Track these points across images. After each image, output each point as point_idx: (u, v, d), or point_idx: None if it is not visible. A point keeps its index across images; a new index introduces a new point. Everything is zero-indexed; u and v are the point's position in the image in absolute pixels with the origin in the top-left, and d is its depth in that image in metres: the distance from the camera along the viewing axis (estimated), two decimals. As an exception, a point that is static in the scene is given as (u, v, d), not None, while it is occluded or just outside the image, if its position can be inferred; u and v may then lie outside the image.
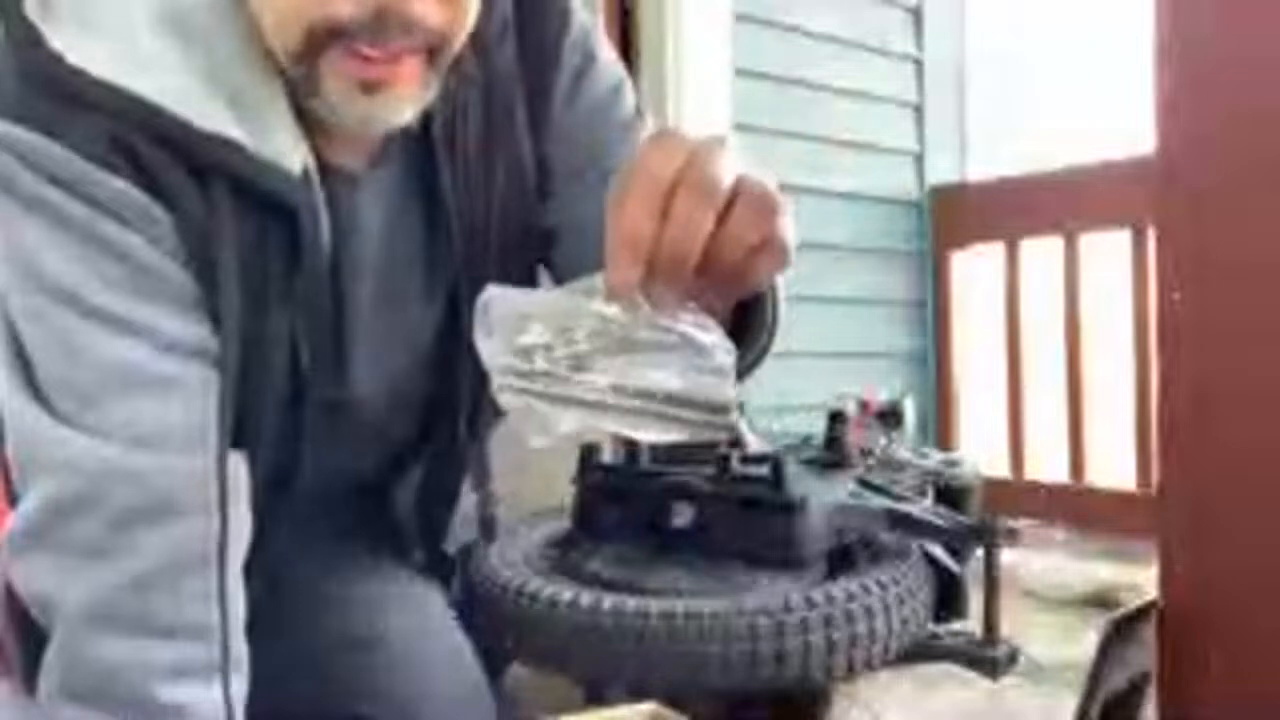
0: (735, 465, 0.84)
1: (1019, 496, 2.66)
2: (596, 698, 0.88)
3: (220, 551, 0.71)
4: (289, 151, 0.73)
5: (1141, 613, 0.94)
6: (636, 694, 0.75)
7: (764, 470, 0.83)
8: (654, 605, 0.76)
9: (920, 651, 0.84)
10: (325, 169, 0.77)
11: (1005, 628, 0.83)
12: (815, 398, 1.96)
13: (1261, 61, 0.90)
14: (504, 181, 0.86)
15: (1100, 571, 2.26)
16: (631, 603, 0.77)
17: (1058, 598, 2.15)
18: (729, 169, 0.58)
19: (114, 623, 0.70)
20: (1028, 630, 1.87)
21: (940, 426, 2.97)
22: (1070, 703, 0.90)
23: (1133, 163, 2.19)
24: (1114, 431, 2.67)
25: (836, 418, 0.95)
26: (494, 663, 0.93)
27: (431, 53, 0.72)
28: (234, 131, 0.71)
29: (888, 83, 2.96)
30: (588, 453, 0.90)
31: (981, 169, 3.10)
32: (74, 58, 0.69)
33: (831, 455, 0.93)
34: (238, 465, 0.74)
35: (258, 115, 0.72)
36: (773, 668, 0.75)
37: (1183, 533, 0.95)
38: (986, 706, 1.49)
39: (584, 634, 0.77)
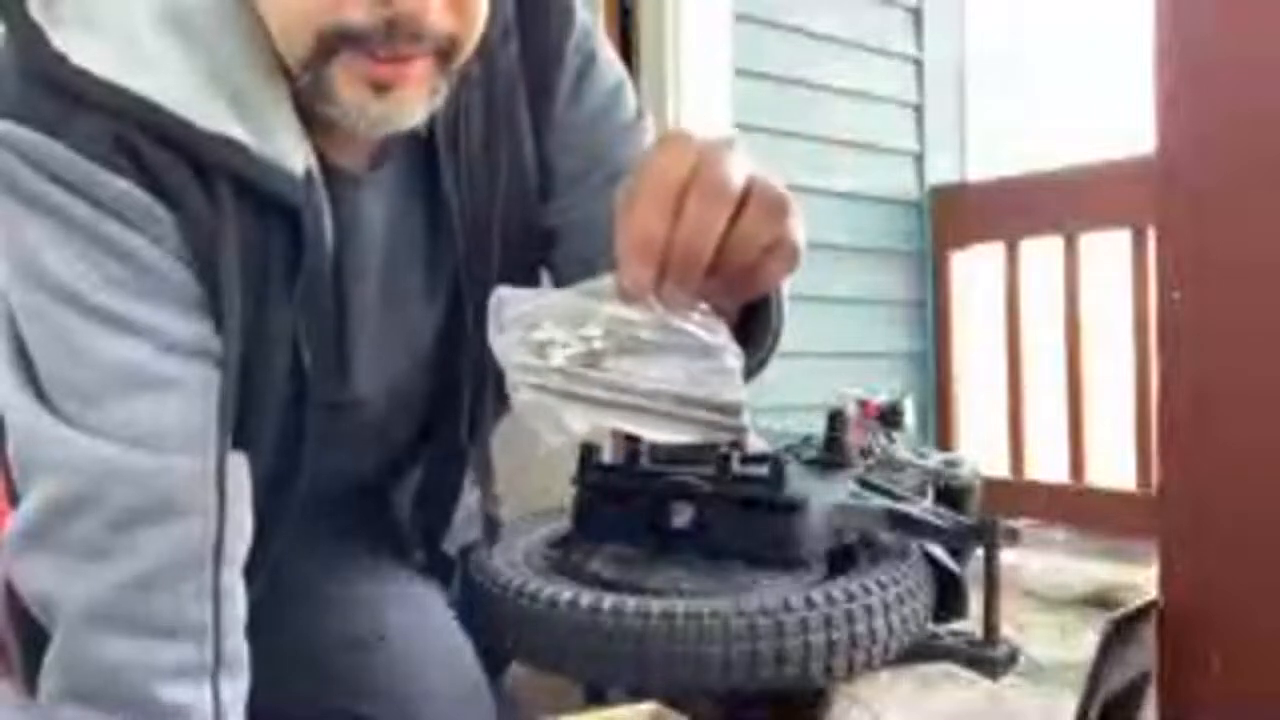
0: (735, 465, 0.84)
1: (1019, 496, 2.66)
2: (596, 698, 0.88)
3: (217, 551, 0.71)
4: (291, 152, 0.73)
5: (1141, 613, 0.94)
6: (636, 694, 0.75)
7: (764, 470, 0.83)
8: (654, 605, 0.76)
9: (920, 651, 0.84)
10: (327, 169, 0.77)
11: (1005, 628, 0.83)
12: (815, 398, 1.95)
13: (1261, 61, 0.90)
14: (506, 182, 0.86)
15: (1100, 571, 2.26)
16: (631, 603, 0.77)
17: (1058, 598, 2.14)
18: (740, 169, 0.58)
19: (114, 623, 0.70)
20: (1028, 630, 1.88)
21: (940, 427, 2.96)
22: (1070, 703, 0.90)
23: (1133, 162, 2.18)
24: (1114, 431, 2.66)
25: (836, 418, 0.95)
26: (494, 663, 0.93)
27: (442, 57, 0.72)
28: (236, 132, 0.71)
29: (888, 83, 2.96)
30: (588, 453, 0.90)
31: (981, 169, 3.09)
32: (77, 58, 0.69)
33: (831, 455, 0.93)
34: (239, 465, 0.74)
35: (260, 116, 0.72)
36: (773, 668, 0.75)
37: (1183, 533, 0.95)
38: (986, 706, 1.49)
39: (584, 634, 0.77)
